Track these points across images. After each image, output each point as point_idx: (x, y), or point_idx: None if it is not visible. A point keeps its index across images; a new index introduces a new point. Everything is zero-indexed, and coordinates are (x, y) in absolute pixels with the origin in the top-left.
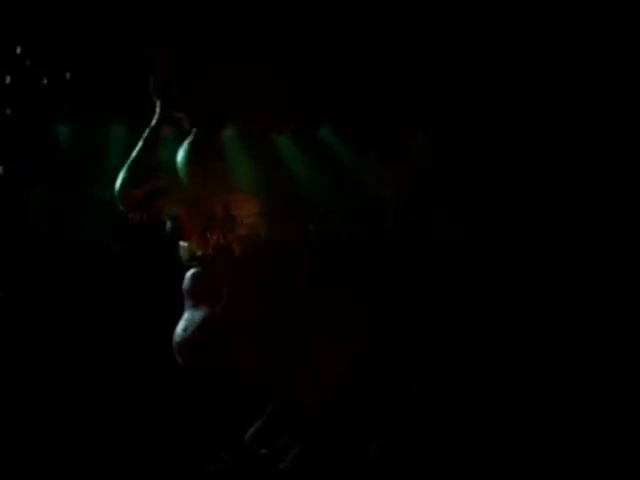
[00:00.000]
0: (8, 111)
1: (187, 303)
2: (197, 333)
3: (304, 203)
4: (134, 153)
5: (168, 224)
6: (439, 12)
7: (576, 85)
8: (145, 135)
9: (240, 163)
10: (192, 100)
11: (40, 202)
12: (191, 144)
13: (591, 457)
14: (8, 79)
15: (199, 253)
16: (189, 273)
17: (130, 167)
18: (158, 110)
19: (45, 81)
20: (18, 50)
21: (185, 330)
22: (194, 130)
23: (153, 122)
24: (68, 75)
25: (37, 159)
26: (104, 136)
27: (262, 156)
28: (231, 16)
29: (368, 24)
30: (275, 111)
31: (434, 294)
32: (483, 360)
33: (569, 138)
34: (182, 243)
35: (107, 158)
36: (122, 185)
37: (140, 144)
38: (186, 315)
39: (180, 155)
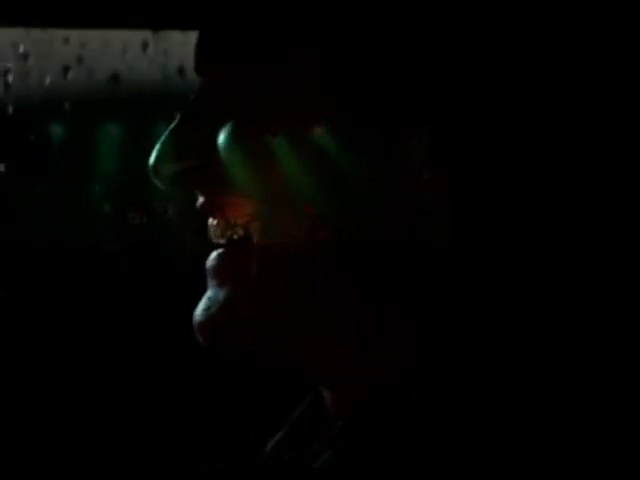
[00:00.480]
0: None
1: (211, 282)
2: (220, 313)
3: (317, 205)
4: (172, 126)
5: (200, 200)
6: (440, 11)
7: (576, 85)
8: (185, 109)
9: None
10: (236, 89)
11: (40, 202)
12: (234, 127)
13: (591, 457)
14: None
15: (229, 233)
16: (215, 252)
17: (166, 141)
18: (200, 86)
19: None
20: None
21: (208, 309)
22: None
23: (194, 96)
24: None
25: (37, 159)
26: (103, 136)
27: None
28: (233, 16)
29: (369, 24)
30: (284, 111)
31: (438, 294)
32: (484, 360)
33: (569, 138)
34: (212, 221)
35: (106, 158)
36: (156, 160)
37: (179, 118)
38: (209, 294)
39: (222, 136)
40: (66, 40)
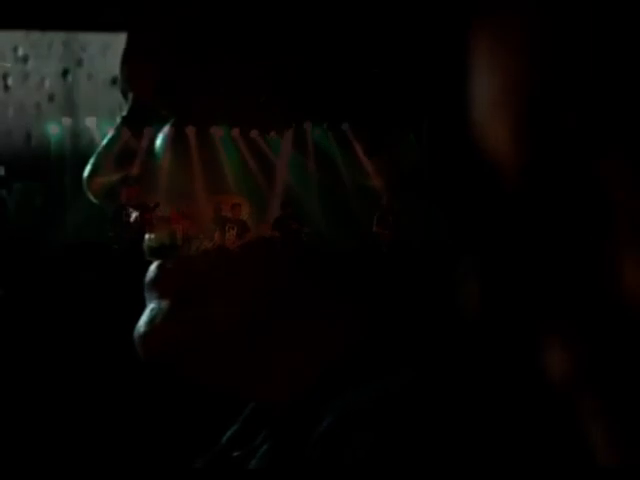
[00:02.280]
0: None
1: (151, 296)
2: (164, 327)
3: (291, 204)
4: (104, 141)
5: (133, 215)
6: (429, 14)
7: (574, 85)
8: (116, 124)
9: (225, 162)
10: (170, 92)
11: (38, 202)
12: (169, 133)
13: (589, 459)
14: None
15: (168, 243)
16: (154, 265)
17: (98, 155)
18: (131, 98)
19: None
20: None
21: (151, 322)
22: (173, 119)
23: (125, 111)
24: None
25: (34, 159)
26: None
27: (246, 156)
28: (226, 14)
29: (361, 27)
30: (264, 111)
31: (416, 296)
32: (472, 362)
33: (563, 137)
34: (149, 234)
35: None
36: (89, 173)
37: (111, 133)
38: (151, 306)
39: (158, 142)
40: (66, 43)
